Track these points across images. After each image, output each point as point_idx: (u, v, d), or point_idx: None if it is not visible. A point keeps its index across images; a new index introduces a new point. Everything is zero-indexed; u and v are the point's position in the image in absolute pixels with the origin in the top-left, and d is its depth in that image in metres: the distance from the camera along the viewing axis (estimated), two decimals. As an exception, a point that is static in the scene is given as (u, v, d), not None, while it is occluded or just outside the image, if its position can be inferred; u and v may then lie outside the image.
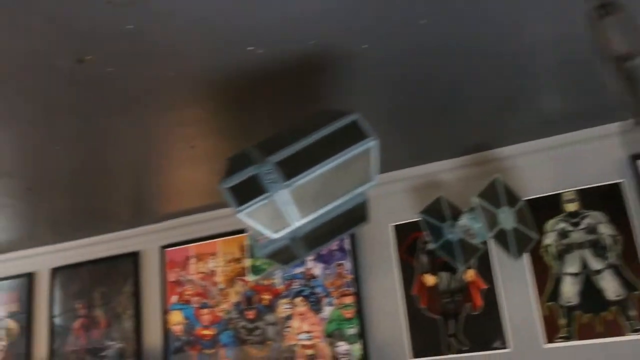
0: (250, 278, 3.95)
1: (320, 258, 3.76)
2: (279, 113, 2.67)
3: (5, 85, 2.25)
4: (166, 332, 4.16)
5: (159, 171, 3.42)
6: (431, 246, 3.34)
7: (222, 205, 4.02)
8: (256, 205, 1.75)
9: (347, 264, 3.69)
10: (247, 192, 1.76)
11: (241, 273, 3.99)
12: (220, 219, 4.08)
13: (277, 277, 3.88)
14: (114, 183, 3.61)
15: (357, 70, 2.36)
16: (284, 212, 1.78)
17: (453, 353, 3.38)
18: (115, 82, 2.30)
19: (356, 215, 2.21)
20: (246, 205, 1.75)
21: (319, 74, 2.39)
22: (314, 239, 2.19)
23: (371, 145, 1.81)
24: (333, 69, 2.34)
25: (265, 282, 3.91)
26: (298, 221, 1.80)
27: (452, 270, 3.45)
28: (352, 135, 1.81)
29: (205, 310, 4.06)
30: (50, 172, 3.29)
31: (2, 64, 2.10)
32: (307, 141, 1.81)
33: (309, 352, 3.69)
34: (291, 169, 1.77)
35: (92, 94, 2.38)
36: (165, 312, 4.20)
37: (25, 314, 4.87)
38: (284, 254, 2.21)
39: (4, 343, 4.95)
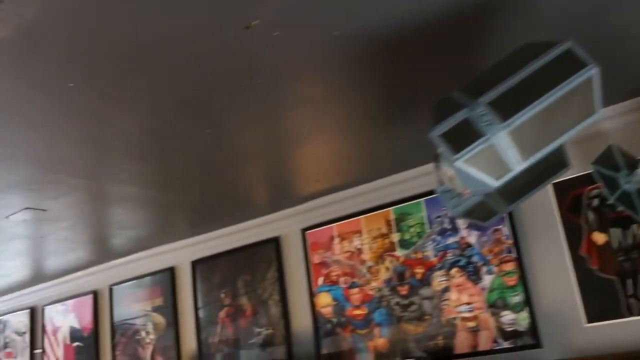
0: (400, 253, 3.82)
1: (474, 225, 3.59)
2: (441, 71, 2.52)
3: (146, 72, 2.21)
4: (315, 315, 4.10)
5: (297, 152, 3.34)
6: (598, 202, 3.11)
7: (363, 180, 3.92)
8: (474, 150, 1.60)
9: (505, 229, 3.50)
10: (462, 138, 1.63)
11: (389, 248, 3.87)
12: (361, 195, 3.98)
13: (429, 249, 3.73)
14: (251, 170, 3.57)
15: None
16: (504, 156, 1.63)
17: (635, 315, 3.13)
18: (280, 48, 2.20)
19: (555, 161, 2.04)
20: (464, 152, 1.61)
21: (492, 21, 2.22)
22: (512, 192, 2.03)
23: (592, 73, 1.63)
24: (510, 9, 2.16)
25: (417, 256, 3.77)
26: (520, 165, 1.65)
27: (624, 225, 3.20)
28: (568, 65, 1.64)
29: (355, 290, 3.97)
30: (188, 162, 3.27)
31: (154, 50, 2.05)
32: (519, 77, 1.65)
33: (471, 324, 3.53)
34: (507, 108, 1.62)
35: (247, 65, 2.29)
36: (312, 294, 4.14)
37: (170, 308, 4.95)
38: (481, 211, 2.06)
39: (152, 336, 5.05)
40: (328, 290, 4.08)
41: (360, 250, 3.99)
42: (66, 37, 1.93)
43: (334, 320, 4.02)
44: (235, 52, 2.16)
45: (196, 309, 4.76)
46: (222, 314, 4.60)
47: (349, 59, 2.34)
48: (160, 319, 5.03)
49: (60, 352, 5.91)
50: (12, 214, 3.61)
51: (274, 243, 4.39)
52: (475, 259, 3.58)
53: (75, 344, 5.77)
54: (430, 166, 3.65)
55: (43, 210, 3.60)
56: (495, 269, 3.50)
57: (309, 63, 2.33)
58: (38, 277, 5.86)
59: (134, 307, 5.27)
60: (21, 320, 6.46)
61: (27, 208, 3.52)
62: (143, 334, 5.15)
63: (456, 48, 2.32)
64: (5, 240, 4.34)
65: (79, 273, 5.69)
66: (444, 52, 2.34)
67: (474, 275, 3.56)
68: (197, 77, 2.31)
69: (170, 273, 5.00)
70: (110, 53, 2.05)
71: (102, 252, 5.08)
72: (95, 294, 5.64)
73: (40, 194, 3.38)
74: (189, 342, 4.78)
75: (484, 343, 3.46)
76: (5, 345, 6.66)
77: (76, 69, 2.14)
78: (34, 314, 6.34)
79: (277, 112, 2.75)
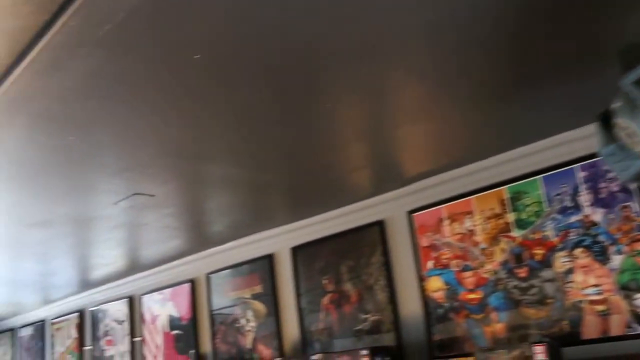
0: (516, 233, 3.62)
1: (599, 202, 3.35)
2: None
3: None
4: (425, 299, 3.95)
5: (404, 131, 3.18)
6: None
7: (473, 159, 3.73)
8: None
9: (635, 206, 3.25)
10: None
11: (504, 229, 3.67)
12: (472, 174, 3.79)
13: (549, 229, 3.51)
14: (355, 150, 3.44)
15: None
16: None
17: None
18: (392, 17, 2.05)
19: None
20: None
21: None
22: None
23: None
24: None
25: (535, 236, 3.56)
26: None
27: None
28: None
29: (468, 273, 3.79)
30: (290, 144, 3.17)
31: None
32: None
33: (600, 307, 3.29)
34: None
35: (356, 34, 2.15)
36: (421, 279, 3.99)
37: (270, 295, 4.89)
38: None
39: (252, 324, 5.02)
40: (439, 274, 3.91)
41: (472, 232, 3.81)
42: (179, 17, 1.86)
43: (446, 305, 3.85)
44: (344, 20, 2.03)
45: (298, 296, 4.68)
46: (325, 300, 4.50)
47: (464, 27, 2.17)
48: (260, 306, 4.98)
49: (159, 339, 5.97)
50: (121, 200, 3.61)
51: (378, 227, 4.25)
52: (601, 238, 3.33)
53: (175, 331, 5.81)
54: (545, 142, 3.47)
55: (151, 195, 3.57)
56: (625, 248, 3.26)
57: (421, 32, 2.18)
58: (136, 266, 5.93)
59: (232, 295, 5.24)
60: (120, 309, 6.58)
61: (136, 194, 3.50)
62: (243, 321, 5.12)
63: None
64: (109, 228, 4.38)
65: (176, 262, 5.72)
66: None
67: (602, 256, 3.32)
68: (300, 52, 2.21)
69: (269, 260, 4.95)
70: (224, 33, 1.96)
71: (200, 240, 5.07)
72: (193, 283, 5.66)
73: (149, 178, 3.35)
74: (291, 329, 4.71)
75: (616, 328, 3.23)
76: (106, 333, 6.80)
77: (189, 49, 2.06)
78: (132, 303, 6.44)
79: (385, 86, 2.59)
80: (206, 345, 5.46)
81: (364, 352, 3.75)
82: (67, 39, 1.93)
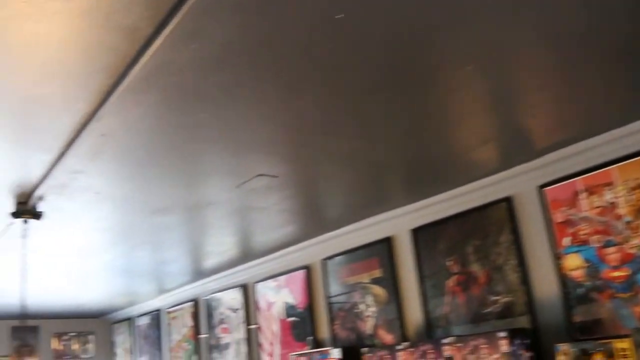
0: (668, 204, 3.31)
1: None
2: None
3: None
4: (563, 279, 3.69)
5: (534, 98, 2.95)
6: None
7: (614, 125, 3.43)
8: None
9: None
10: None
11: (653, 200, 3.38)
12: (613, 142, 3.49)
13: None
14: (478, 122, 3.24)
15: None
16: None
17: None
18: None
19: None
20: None
21: None
22: None
23: None
24: None
25: (690, 207, 3.24)
26: None
27: None
28: None
29: (611, 249, 3.51)
30: (404, 121, 3.01)
31: None
32: None
33: None
34: None
35: None
36: (557, 257, 3.73)
37: (390, 279, 4.76)
38: None
39: (372, 309, 4.90)
40: (577, 251, 3.65)
41: (614, 205, 3.52)
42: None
43: (587, 284, 3.58)
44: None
45: (420, 279, 4.52)
46: (450, 283, 4.32)
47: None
48: (380, 291, 4.86)
49: (275, 327, 5.97)
50: (243, 183, 3.56)
51: (506, 203, 4.02)
52: None
53: (291, 318, 5.78)
54: None
55: (274, 176, 3.51)
56: None
57: None
58: (249, 254, 5.94)
59: (349, 280, 5.15)
60: (234, 297, 6.64)
61: (260, 175, 3.45)
62: (362, 307, 5.01)
63: None
64: (227, 214, 4.37)
65: (291, 248, 5.68)
66: None
67: None
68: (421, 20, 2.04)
69: (388, 243, 4.81)
70: None
71: (316, 224, 5.00)
72: (308, 269, 5.61)
73: (274, 158, 3.29)
74: (414, 313, 4.56)
75: None
76: (221, 321, 6.88)
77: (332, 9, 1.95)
78: (247, 291, 6.47)
79: (512, 48, 2.38)
80: (324, 332, 5.39)
81: (502, 334, 3.55)
82: (209, 4, 1.85)
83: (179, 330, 7.84)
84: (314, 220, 4.84)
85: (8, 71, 2.22)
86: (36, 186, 3.36)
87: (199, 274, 6.85)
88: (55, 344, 9.77)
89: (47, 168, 3.16)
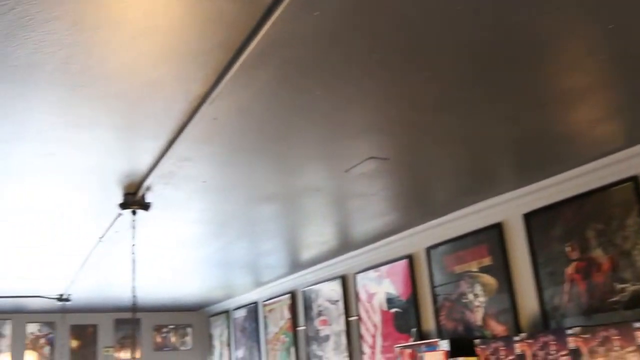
0: None
1: None
2: None
3: None
4: (701, 264, 3.38)
5: None
6: None
7: None
8: None
9: None
10: None
11: None
12: None
13: None
14: (598, 98, 2.97)
15: None
16: None
17: None
18: None
19: None
20: None
21: None
22: None
23: None
24: None
25: None
26: None
27: None
28: None
29: None
30: (520, 96, 2.80)
31: None
32: None
33: None
34: None
35: None
36: (695, 240, 3.42)
37: (501, 267, 4.52)
38: None
39: (482, 299, 4.68)
40: None
41: None
42: None
43: None
44: None
45: (534, 266, 4.27)
46: (569, 270, 4.05)
47: None
48: (490, 280, 4.63)
49: (377, 318, 5.83)
50: (353, 167, 3.43)
51: (633, 183, 3.72)
52: None
53: (393, 310, 5.63)
54: None
55: (385, 159, 3.36)
56: None
57: None
58: (349, 244, 5.83)
59: (456, 269, 4.94)
60: (333, 288, 6.54)
61: (371, 157, 3.31)
62: (470, 297, 4.80)
63: None
64: (332, 201, 4.26)
65: (392, 237, 5.53)
66: None
67: None
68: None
69: (498, 229, 4.57)
70: None
71: (421, 212, 4.81)
72: (411, 258, 5.44)
73: (386, 139, 3.15)
74: (529, 303, 4.30)
75: None
76: (320, 314, 6.81)
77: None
78: (346, 282, 6.36)
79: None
80: (429, 323, 5.21)
81: (638, 325, 3.26)
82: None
83: (276, 323, 7.83)
84: (419, 207, 4.66)
85: (123, 56, 2.17)
86: (145, 176, 3.35)
87: (297, 265, 6.80)
88: (155, 337, 10.00)
89: (156, 156, 3.14)
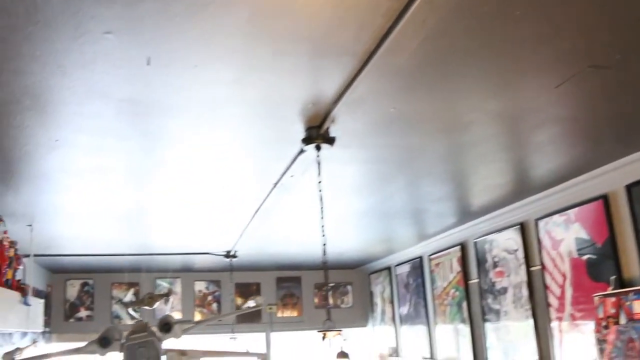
0: None
1: None
2: None
3: None
4: None
5: None
6: None
7: None
8: None
9: None
10: None
11: None
12: None
13: None
14: None
15: None
16: None
17: None
18: None
19: None
20: None
21: None
22: None
23: None
24: None
25: None
26: None
27: None
28: None
29: None
30: None
31: None
32: None
33: None
34: None
35: None
36: None
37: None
38: None
39: None
40: None
41: None
42: None
43: None
44: None
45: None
46: None
47: None
48: None
49: (565, 266, 5.31)
50: (572, 77, 2.93)
51: None
52: None
53: (585, 256, 5.09)
54: None
55: (606, 67, 2.86)
56: None
57: None
58: (529, 187, 5.33)
59: (666, 206, 4.33)
60: (510, 237, 6.08)
61: (591, 66, 2.82)
62: (687, 237, 4.18)
63: None
64: (530, 128, 3.74)
65: (582, 177, 4.95)
66: None
67: None
68: None
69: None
70: None
71: (627, 141, 4.19)
72: (606, 199, 4.85)
73: (610, 42, 2.66)
74: None
75: None
76: (495, 265, 6.38)
77: None
78: (525, 229, 5.88)
79: None
80: (632, 269, 4.63)
81: None
82: None
83: (444, 277, 7.48)
84: (627, 134, 4.01)
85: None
86: (333, 104, 3.08)
87: (467, 214, 6.38)
88: (316, 295, 10.00)
89: (345, 81, 2.84)
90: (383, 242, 7.97)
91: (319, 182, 3.42)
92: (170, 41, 2.43)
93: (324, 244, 3.43)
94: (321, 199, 3.40)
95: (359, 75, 2.71)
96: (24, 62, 2.55)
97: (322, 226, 3.42)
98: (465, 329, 6.98)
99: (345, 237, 7.45)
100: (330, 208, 5.60)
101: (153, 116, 3.18)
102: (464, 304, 6.98)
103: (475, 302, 6.80)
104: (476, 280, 6.73)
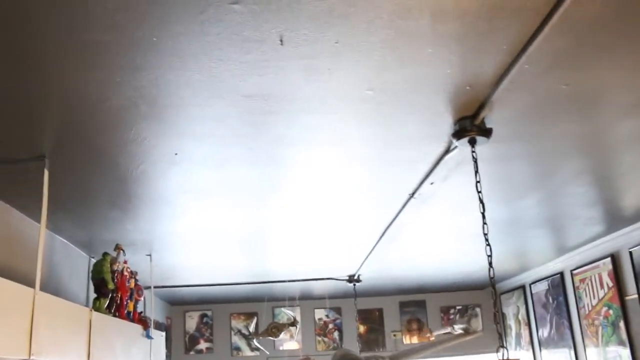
0: None
1: None
2: None
3: None
4: None
5: None
6: None
7: None
8: None
9: None
10: None
11: None
12: None
13: None
14: None
15: None
16: None
17: None
18: None
19: None
20: None
21: None
22: None
23: None
24: None
25: None
26: None
27: None
28: None
29: None
30: None
31: None
32: None
33: None
34: None
35: None
36: None
37: None
38: None
39: None
40: None
41: None
42: None
43: None
44: None
45: None
46: None
47: None
48: None
49: None
50: None
51: None
52: None
53: None
54: None
55: None
56: None
57: None
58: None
59: None
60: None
61: None
62: None
63: None
64: None
65: None
66: None
67: None
68: None
69: None
70: None
71: None
72: None
73: None
74: None
75: None
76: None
77: None
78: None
79: None
80: None
81: None
82: None
83: (593, 294, 6.67)
84: None
85: None
86: (495, 85, 2.56)
87: (619, 220, 5.59)
88: (442, 318, 9.36)
89: (516, 48, 2.32)
90: (517, 257, 7.24)
91: (477, 181, 2.88)
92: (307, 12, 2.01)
93: (489, 255, 2.87)
94: (481, 201, 2.86)
95: (536, 38, 2.17)
96: (139, 53, 2.21)
97: (485, 234, 2.86)
98: (624, 352, 6.13)
99: (471, 256, 6.80)
100: (460, 219, 5.05)
101: (283, 114, 2.76)
102: (621, 324, 6.15)
103: (635, 322, 5.96)
104: (635, 296, 5.90)
